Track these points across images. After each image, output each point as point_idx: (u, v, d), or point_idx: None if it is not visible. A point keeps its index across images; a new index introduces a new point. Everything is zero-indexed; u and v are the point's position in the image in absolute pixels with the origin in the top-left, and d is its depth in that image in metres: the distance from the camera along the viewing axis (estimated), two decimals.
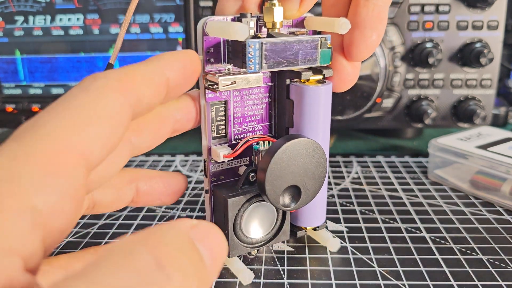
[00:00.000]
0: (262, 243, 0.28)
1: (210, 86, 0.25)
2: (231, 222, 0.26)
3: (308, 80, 0.26)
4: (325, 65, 0.25)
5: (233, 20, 0.25)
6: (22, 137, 0.16)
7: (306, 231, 0.30)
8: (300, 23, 0.27)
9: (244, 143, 0.27)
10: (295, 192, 0.25)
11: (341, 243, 0.31)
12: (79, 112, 0.17)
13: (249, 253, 0.29)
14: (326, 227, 0.31)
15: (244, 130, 0.27)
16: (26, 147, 0.15)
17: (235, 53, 0.25)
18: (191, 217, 0.35)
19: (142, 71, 0.20)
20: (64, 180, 0.15)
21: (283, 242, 0.30)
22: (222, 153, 0.26)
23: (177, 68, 0.21)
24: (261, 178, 0.24)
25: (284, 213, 0.28)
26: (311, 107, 0.26)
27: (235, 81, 0.25)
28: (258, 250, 0.29)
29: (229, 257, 0.27)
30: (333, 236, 0.31)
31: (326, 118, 0.26)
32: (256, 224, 0.27)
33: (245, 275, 0.26)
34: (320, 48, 0.24)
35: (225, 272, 0.28)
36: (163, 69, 0.21)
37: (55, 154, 0.15)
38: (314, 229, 0.29)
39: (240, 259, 0.28)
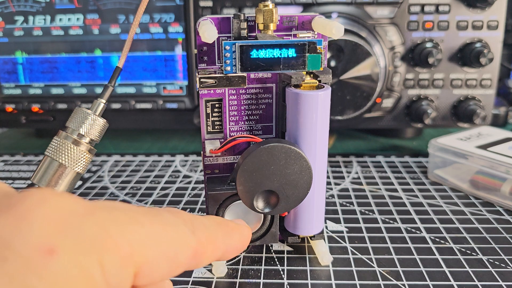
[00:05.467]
0: None
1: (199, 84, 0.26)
2: (212, 215, 0.27)
3: (300, 84, 0.25)
4: (320, 69, 0.24)
5: (235, 18, 0.25)
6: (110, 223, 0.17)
7: (299, 239, 0.29)
8: (307, 25, 0.26)
9: (230, 141, 0.27)
10: (273, 197, 0.25)
11: (341, 243, 0.31)
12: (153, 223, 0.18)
13: None
14: (324, 239, 0.30)
15: (240, 128, 0.28)
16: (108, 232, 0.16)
17: (219, 53, 0.26)
18: None
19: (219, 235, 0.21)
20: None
21: (283, 242, 0.30)
22: (209, 148, 0.27)
23: (234, 241, 0.22)
24: (234, 178, 0.24)
25: (273, 215, 0.28)
26: (302, 113, 0.25)
27: (216, 81, 0.25)
28: (248, 247, 0.30)
29: None
30: (328, 244, 0.30)
31: (321, 124, 0.25)
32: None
33: (218, 268, 0.27)
34: (308, 53, 0.24)
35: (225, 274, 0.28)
36: (224, 236, 0.21)
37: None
38: (310, 238, 0.29)
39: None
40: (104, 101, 0.27)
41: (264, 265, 0.28)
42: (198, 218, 0.20)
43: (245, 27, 0.25)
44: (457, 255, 0.29)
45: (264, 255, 0.29)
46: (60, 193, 0.16)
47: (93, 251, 0.15)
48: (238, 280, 0.27)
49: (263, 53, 0.23)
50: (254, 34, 0.26)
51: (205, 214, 0.30)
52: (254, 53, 0.23)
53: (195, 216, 0.20)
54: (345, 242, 0.31)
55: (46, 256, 0.14)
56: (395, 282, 0.26)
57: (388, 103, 0.47)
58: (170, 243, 0.18)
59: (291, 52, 0.23)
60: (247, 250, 0.30)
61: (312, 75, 0.25)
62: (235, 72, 0.23)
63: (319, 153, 0.26)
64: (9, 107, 0.51)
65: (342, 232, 0.32)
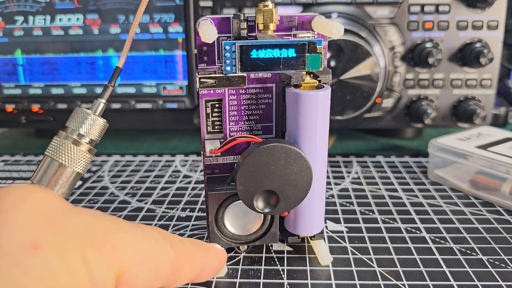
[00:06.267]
0: (248, 240, 0.29)
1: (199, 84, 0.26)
2: (212, 215, 0.27)
3: (300, 84, 0.25)
4: (319, 70, 0.24)
5: (235, 18, 0.25)
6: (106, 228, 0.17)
7: (299, 239, 0.29)
8: (307, 25, 0.26)
9: (230, 141, 0.27)
10: (273, 197, 0.25)
11: (341, 243, 0.31)
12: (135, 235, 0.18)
13: (238, 248, 0.30)
14: (324, 239, 0.29)
15: (240, 128, 0.28)
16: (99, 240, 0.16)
17: (219, 53, 0.26)
18: (190, 217, 0.35)
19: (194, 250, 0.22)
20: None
21: (283, 242, 0.30)
22: (209, 148, 0.27)
23: (210, 259, 0.23)
24: (234, 178, 0.24)
25: (273, 215, 0.28)
26: (302, 113, 0.25)
27: (215, 81, 0.25)
28: (248, 247, 0.30)
29: None
30: (328, 244, 0.30)
31: (321, 124, 0.25)
32: (240, 221, 0.28)
33: None
34: (308, 53, 0.24)
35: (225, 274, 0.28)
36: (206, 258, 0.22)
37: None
38: (310, 238, 0.29)
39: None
40: (104, 101, 0.27)
41: (264, 265, 0.28)
42: (175, 236, 0.21)
43: (245, 27, 0.25)
44: (457, 255, 0.29)
45: (264, 255, 0.29)
46: (43, 189, 0.17)
47: (77, 247, 0.15)
48: (238, 280, 0.27)
49: (263, 53, 0.23)
50: (254, 34, 0.26)
51: (204, 214, 0.30)
52: (254, 53, 0.23)
53: (173, 234, 0.21)
54: (345, 242, 0.31)
55: (31, 251, 0.14)
56: (395, 282, 0.26)
57: (388, 103, 0.47)
58: (151, 251, 0.18)
59: (291, 52, 0.23)
60: (247, 250, 0.30)
61: (312, 75, 0.25)
62: (235, 72, 0.23)
63: (319, 153, 0.26)
64: (9, 107, 0.51)
65: (342, 232, 0.32)
